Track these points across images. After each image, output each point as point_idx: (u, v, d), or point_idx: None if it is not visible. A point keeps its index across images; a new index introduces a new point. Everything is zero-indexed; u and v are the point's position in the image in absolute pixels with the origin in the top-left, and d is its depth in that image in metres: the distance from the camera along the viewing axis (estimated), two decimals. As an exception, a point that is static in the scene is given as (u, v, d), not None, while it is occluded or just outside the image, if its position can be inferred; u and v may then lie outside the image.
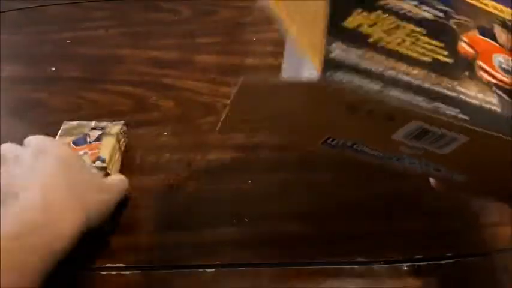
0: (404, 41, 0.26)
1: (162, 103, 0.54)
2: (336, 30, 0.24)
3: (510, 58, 0.29)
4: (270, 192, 0.45)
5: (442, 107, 0.25)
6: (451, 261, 0.40)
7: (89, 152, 0.44)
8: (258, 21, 0.61)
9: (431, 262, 0.40)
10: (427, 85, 0.25)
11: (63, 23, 0.65)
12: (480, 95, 0.26)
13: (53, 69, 0.58)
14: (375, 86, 0.24)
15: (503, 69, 0.28)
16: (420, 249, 0.40)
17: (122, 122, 0.49)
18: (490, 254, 0.40)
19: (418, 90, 0.25)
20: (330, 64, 0.23)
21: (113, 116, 0.51)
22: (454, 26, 0.28)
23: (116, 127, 0.47)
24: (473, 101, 0.26)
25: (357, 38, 0.25)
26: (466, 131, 0.25)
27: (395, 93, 0.24)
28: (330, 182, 0.45)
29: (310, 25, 0.25)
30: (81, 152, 0.44)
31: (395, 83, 0.24)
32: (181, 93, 0.55)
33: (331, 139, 0.28)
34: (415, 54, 0.26)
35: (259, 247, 0.41)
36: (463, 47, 0.28)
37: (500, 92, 0.27)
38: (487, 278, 0.39)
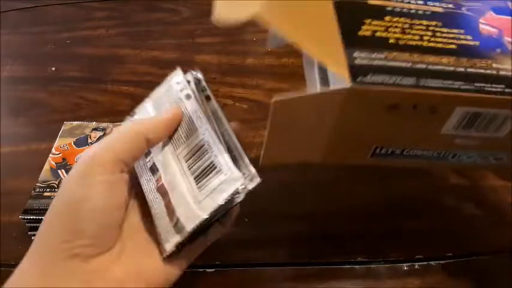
0: (423, 36, 0.26)
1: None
2: (352, 40, 0.24)
3: None
4: (270, 192, 0.45)
5: (485, 85, 0.24)
6: (451, 261, 0.40)
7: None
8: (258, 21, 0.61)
9: (431, 262, 0.40)
10: (461, 69, 0.24)
11: (63, 23, 0.65)
12: None
13: (53, 69, 0.58)
14: (409, 80, 0.23)
15: None
16: (420, 249, 0.40)
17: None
18: (490, 254, 0.40)
19: (454, 76, 0.24)
20: (357, 70, 0.23)
21: (112, 116, 0.51)
22: (469, 13, 0.28)
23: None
24: None
25: (376, 43, 0.25)
26: None
27: (431, 82, 0.23)
28: (330, 182, 0.45)
29: (321, 38, 0.25)
30: (82, 153, 0.44)
31: (427, 73, 0.24)
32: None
33: (379, 149, 0.27)
34: (438, 45, 0.25)
35: (259, 247, 0.41)
36: (485, 28, 0.27)
37: None
38: (487, 277, 0.39)
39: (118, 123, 0.48)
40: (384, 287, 0.39)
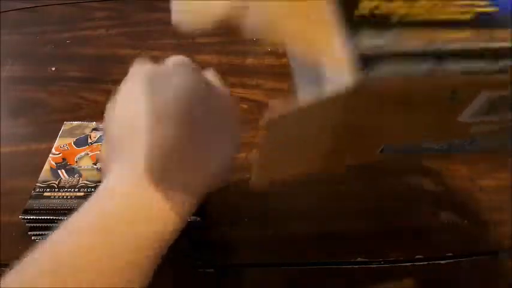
0: (432, 6, 0.22)
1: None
2: (349, 23, 0.20)
3: None
4: (270, 192, 0.45)
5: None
6: (451, 261, 0.40)
7: (90, 153, 0.44)
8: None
9: (431, 262, 0.40)
10: (482, 44, 0.21)
11: (63, 23, 0.65)
12: None
13: (53, 69, 0.58)
14: (423, 67, 0.20)
15: None
16: (420, 249, 0.40)
17: (123, 122, 0.49)
18: (490, 254, 0.40)
19: (475, 54, 0.21)
20: (360, 61, 0.19)
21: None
22: None
23: (116, 127, 0.47)
24: None
25: (378, 24, 0.21)
26: None
27: (450, 65, 0.20)
28: (330, 182, 0.45)
29: (316, 32, 0.21)
30: (82, 153, 0.44)
31: (444, 54, 0.20)
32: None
33: (385, 147, 0.25)
34: (452, 16, 0.22)
35: (258, 247, 0.41)
36: None
37: None
38: (487, 277, 0.39)
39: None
40: (383, 287, 0.39)
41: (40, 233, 0.40)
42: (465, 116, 0.23)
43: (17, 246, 0.41)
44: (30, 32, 0.64)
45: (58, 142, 0.46)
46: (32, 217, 0.39)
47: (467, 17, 0.21)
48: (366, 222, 0.42)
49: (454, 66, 0.20)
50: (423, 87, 0.21)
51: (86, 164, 0.43)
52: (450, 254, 0.40)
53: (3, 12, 0.67)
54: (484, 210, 0.43)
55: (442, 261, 0.40)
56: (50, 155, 0.44)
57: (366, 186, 0.45)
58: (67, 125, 0.48)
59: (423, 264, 0.40)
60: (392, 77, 0.20)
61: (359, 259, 0.40)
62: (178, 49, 0.60)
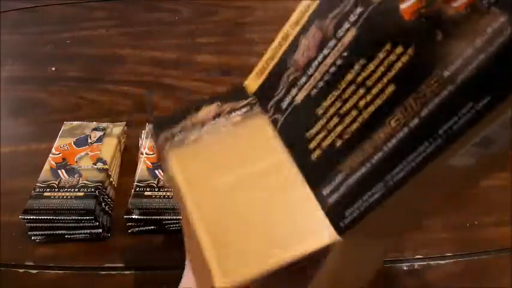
0: (357, 103, 0.20)
1: (162, 103, 0.54)
2: (311, 172, 0.21)
3: None
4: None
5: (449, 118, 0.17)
6: (451, 261, 0.40)
7: (90, 153, 0.44)
8: (258, 21, 0.61)
9: (431, 262, 0.40)
10: (414, 122, 0.18)
11: (63, 23, 0.65)
12: None
13: (53, 69, 0.58)
14: (380, 188, 0.19)
15: None
16: (420, 249, 0.40)
17: (124, 123, 0.49)
18: (490, 254, 0.40)
19: (414, 135, 0.18)
20: (334, 214, 0.20)
21: (112, 116, 0.51)
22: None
23: (117, 128, 0.47)
24: None
25: (329, 161, 0.21)
26: None
27: (400, 172, 0.18)
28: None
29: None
30: (82, 153, 0.44)
31: (387, 161, 0.19)
32: (181, 93, 0.55)
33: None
34: (377, 101, 0.19)
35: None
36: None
37: None
38: (487, 277, 0.39)
39: (118, 123, 0.48)
40: (384, 287, 0.39)
41: (40, 233, 0.40)
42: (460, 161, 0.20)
43: (17, 246, 0.41)
44: (30, 32, 0.64)
45: (58, 142, 0.46)
46: (32, 217, 0.39)
47: (391, 87, 0.19)
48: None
49: (402, 168, 0.19)
50: (392, 204, 0.20)
51: (86, 164, 0.43)
52: (450, 254, 0.40)
53: (3, 12, 0.67)
54: (484, 210, 0.43)
55: (442, 262, 0.40)
56: (50, 155, 0.44)
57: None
58: (67, 125, 0.48)
59: (423, 264, 0.40)
60: (362, 221, 0.19)
61: (359, 259, 0.40)
62: (178, 49, 0.60)
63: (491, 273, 0.39)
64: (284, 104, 0.23)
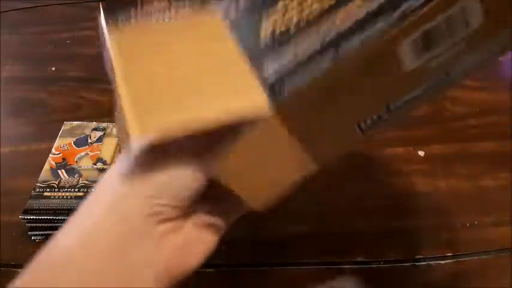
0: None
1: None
2: (259, 51, 0.21)
3: None
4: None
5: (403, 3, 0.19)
6: (451, 261, 0.40)
7: (90, 153, 0.44)
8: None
9: (431, 262, 0.40)
10: (374, 4, 0.19)
11: (63, 23, 0.65)
12: None
13: (53, 69, 0.58)
14: (326, 58, 0.20)
15: None
16: (420, 249, 0.40)
17: (123, 122, 0.49)
18: (490, 254, 0.40)
19: (369, 19, 0.19)
20: (271, 87, 0.20)
21: (112, 116, 0.51)
22: None
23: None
24: None
25: (280, 41, 0.21)
26: None
27: (351, 44, 0.19)
28: (330, 181, 0.45)
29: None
30: (82, 153, 0.44)
31: (342, 38, 0.20)
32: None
33: (362, 123, 0.23)
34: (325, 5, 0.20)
35: (258, 247, 0.41)
36: None
37: None
38: (487, 277, 0.39)
39: (118, 123, 0.48)
40: (384, 287, 0.39)
41: (40, 233, 0.40)
42: (409, 64, 0.21)
43: (17, 246, 0.41)
44: (30, 32, 0.64)
45: (58, 142, 0.46)
46: (32, 217, 0.39)
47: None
48: (366, 222, 0.42)
49: (354, 42, 0.19)
50: (336, 77, 0.20)
51: (85, 164, 0.43)
52: (450, 254, 0.40)
53: (3, 12, 0.67)
54: (483, 210, 0.43)
55: (442, 261, 0.40)
56: (50, 155, 0.44)
57: (366, 186, 0.45)
58: (67, 125, 0.48)
59: (423, 264, 0.40)
60: (304, 87, 0.20)
61: (359, 259, 0.40)
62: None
63: (491, 273, 0.39)
64: None
